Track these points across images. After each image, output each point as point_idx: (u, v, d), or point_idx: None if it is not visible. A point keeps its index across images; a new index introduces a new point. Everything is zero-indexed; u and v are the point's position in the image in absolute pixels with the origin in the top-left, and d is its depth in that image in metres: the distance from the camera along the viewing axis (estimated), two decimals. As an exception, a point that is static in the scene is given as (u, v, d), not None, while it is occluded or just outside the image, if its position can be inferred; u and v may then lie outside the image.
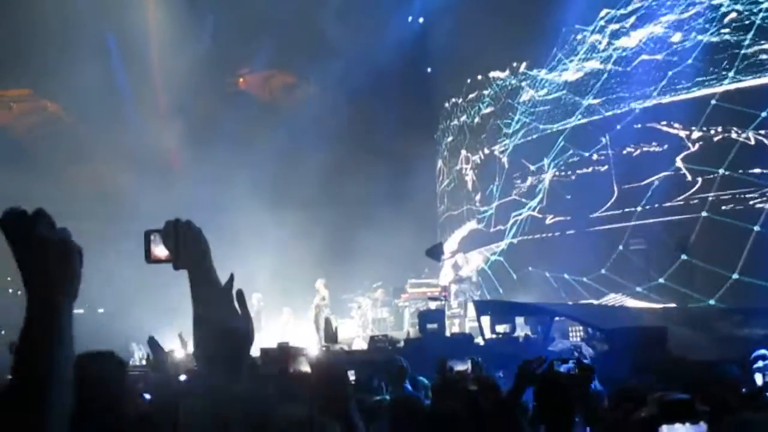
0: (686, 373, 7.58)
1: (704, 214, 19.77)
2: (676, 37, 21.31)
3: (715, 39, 20.53)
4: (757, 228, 18.66)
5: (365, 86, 24.39)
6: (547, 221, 24.12)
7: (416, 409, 5.14)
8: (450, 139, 30.33)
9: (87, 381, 2.54)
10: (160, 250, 2.66)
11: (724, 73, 20.25)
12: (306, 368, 5.16)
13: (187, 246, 2.59)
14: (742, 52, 20.03)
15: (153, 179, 22.26)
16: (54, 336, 1.88)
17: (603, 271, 20.94)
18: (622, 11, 22.64)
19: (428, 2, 26.99)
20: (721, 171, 19.75)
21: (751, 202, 19.36)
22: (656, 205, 20.88)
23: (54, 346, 1.87)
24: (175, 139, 25.04)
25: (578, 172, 23.61)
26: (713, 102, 20.28)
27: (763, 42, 19.79)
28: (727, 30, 20.37)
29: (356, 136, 25.25)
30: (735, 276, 18.25)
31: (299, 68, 27.65)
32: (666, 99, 21.35)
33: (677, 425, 4.13)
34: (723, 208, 19.71)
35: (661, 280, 19.52)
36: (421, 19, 28.19)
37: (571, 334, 15.90)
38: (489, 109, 27.76)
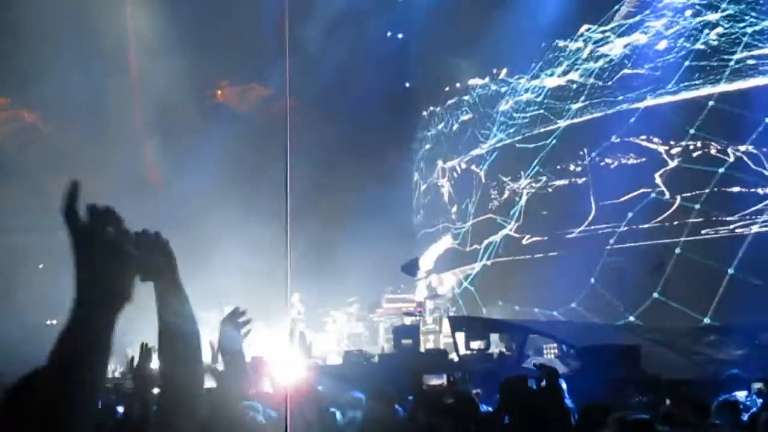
0: (659, 390, 7.62)
1: (682, 240, 19.67)
2: (661, 45, 21.26)
3: (700, 47, 20.48)
4: (731, 271, 18.46)
5: (344, 101, 24.44)
6: (524, 241, 23.82)
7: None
8: (428, 146, 30.14)
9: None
10: None
11: (706, 83, 20.18)
12: (268, 389, 5.16)
13: (156, 259, 2.57)
14: (731, 60, 19.97)
15: (129, 190, 22.16)
16: (89, 359, 1.85)
17: (573, 305, 20.57)
18: (603, 28, 22.61)
19: (408, 16, 26.98)
20: (705, 190, 19.61)
21: (731, 226, 19.20)
22: (634, 227, 20.64)
23: (99, 358, 1.86)
24: (151, 150, 24.97)
25: (555, 183, 23.42)
26: (703, 111, 20.08)
27: (749, 50, 19.77)
28: (712, 39, 20.33)
29: (333, 150, 25.20)
30: (706, 320, 17.99)
31: (277, 82, 27.62)
32: (649, 102, 21.16)
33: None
34: (702, 232, 19.56)
35: (631, 318, 19.26)
36: (400, 35, 28.20)
37: (545, 352, 15.94)
38: (468, 116, 27.56)
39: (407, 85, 29.12)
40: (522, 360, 14.20)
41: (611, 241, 20.98)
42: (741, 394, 8.59)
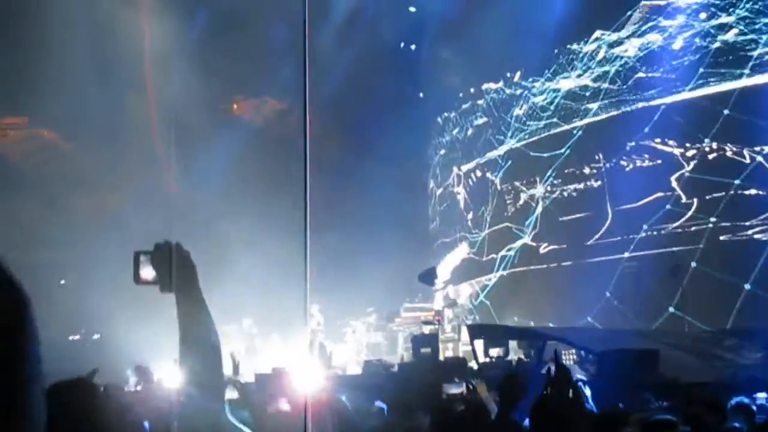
0: (678, 394, 7.60)
1: (700, 247, 19.33)
2: (677, 44, 20.95)
3: (717, 45, 20.14)
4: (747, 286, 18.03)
5: (359, 112, 24.51)
6: (541, 250, 23.60)
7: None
8: (442, 152, 29.96)
9: (59, 411, 2.56)
10: (147, 272, 2.68)
11: (723, 80, 19.84)
12: (286, 407, 5.17)
13: (177, 271, 2.60)
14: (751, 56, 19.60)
15: (148, 203, 22.27)
16: None
17: (589, 318, 20.32)
18: (617, 34, 22.37)
19: (420, 26, 26.98)
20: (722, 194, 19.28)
21: (750, 231, 18.88)
22: (652, 233, 20.34)
23: None
24: (168, 164, 25.06)
25: (571, 188, 23.23)
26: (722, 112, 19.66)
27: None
28: (730, 39, 19.95)
29: (353, 164, 25.24)
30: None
31: (293, 94, 27.67)
32: (667, 99, 20.84)
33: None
34: (721, 238, 19.21)
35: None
36: (413, 46, 28.20)
37: (563, 358, 15.89)
38: (482, 120, 27.30)
39: (421, 95, 29.09)
40: (540, 367, 14.17)
41: (630, 248, 20.66)
42: (761, 395, 8.59)
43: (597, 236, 21.64)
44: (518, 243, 24.51)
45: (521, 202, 24.93)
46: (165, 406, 5.86)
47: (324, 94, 23.50)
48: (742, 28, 19.83)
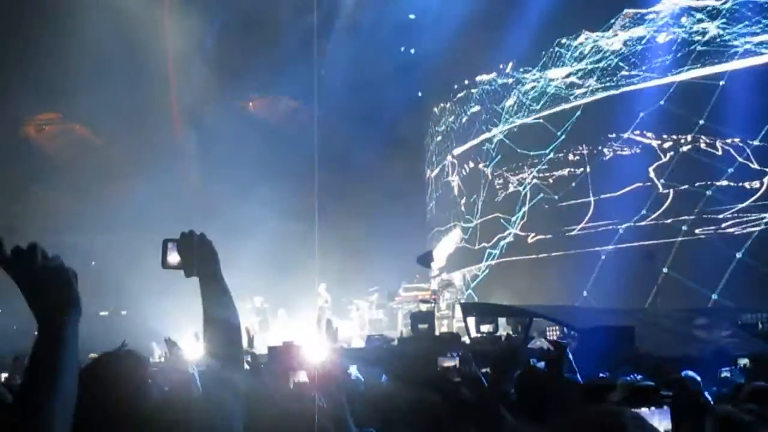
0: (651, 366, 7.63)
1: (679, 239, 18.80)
2: (661, 37, 20.54)
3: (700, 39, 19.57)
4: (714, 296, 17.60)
5: (364, 106, 24.53)
6: (529, 240, 23.24)
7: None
8: (438, 139, 29.61)
9: (109, 379, 2.61)
10: (173, 258, 2.73)
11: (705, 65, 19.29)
12: (305, 379, 5.20)
13: (201, 257, 2.66)
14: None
15: (172, 191, 22.37)
16: (57, 356, 1.92)
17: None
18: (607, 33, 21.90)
19: (419, 26, 26.86)
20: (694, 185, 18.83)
21: (723, 225, 18.30)
22: (631, 224, 19.90)
23: (58, 364, 1.91)
24: (192, 155, 25.16)
25: (555, 173, 22.83)
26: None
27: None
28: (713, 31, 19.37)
29: (355, 157, 25.23)
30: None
31: (304, 92, 27.66)
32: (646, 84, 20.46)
33: (643, 409, 4.17)
34: (697, 231, 18.70)
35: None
36: (413, 50, 28.11)
37: (548, 333, 15.95)
38: (476, 108, 26.86)
39: (419, 94, 29.03)
40: (527, 342, 14.22)
41: (614, 239, 20.23)
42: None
43: (581, 225, 21.37)
44: (507, 232, 24.25)
45: (510, 190, 24.59)
46: (187, 376, 5.90)
47: (331, 93, 23.52)
48: (726, 20, 19.35)
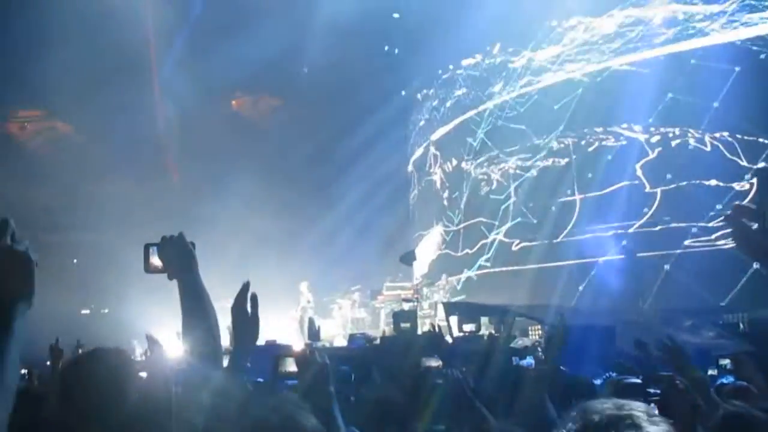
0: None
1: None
2: (657, 20, 19.33)
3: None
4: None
5: (349, 104, 24.54)
6: (514, 247, 22.28)
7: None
8: (422, 124, 28.70)
9: (93, 376, 2.59)
10: (156, 261, 2.75)
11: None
12: (293, 368, 5.18)
13: (179, 258, 2.67)
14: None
15: (154, 189, 22.32)
16: (5, 344, 1.84)
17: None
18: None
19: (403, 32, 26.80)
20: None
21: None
22: (617, 227, 18.95)
23: (5, 355, 1.83)
24: (173, 153, 25.09)
25: (539, 164, 21.89)
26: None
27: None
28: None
29: (340, 155, 25.19)
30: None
31: (288, 94, 27.59)
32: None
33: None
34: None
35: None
36: (396, 50, 28.02)
37: (530, 333, 16.00)
38: (462, 90, 25.96)
39: (403, 93, 28.93)
40: (509, 341, 14.23)
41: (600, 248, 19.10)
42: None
43: (566, 232, 20.61)
44: (492, 237, 23.40)
45: (494, 186, 23.79)
46: (167, 372, 5.88)
47: (313, 90, 23.52)
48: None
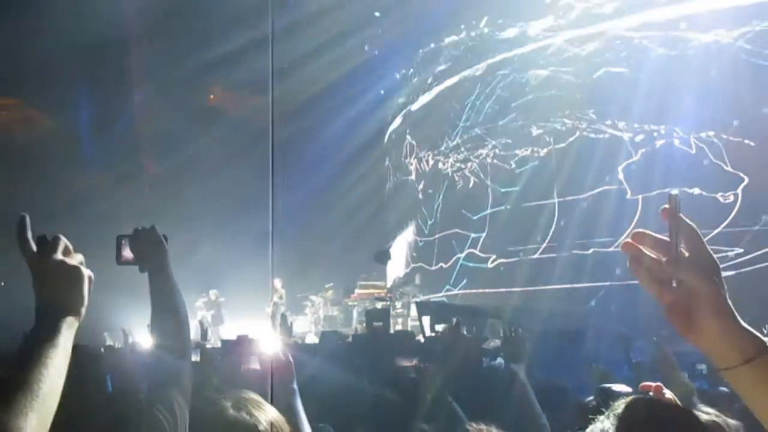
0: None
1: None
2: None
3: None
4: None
5: (327, 105, 24.52)
6: (489, 264, 20.71)
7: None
8: (401, 100, 27.86)
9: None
10: (127, 254, 2.75)
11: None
12: (256, 365, 5.20)
13: (149, 250, 2.68)
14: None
15: (128, 182, 22.22)
16: (49, 353, 1.83)
17: None
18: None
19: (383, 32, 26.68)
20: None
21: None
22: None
23: (48, 362, 1.81)
24: (146, 143, 24.97)
25: (517, 153, 20.48)
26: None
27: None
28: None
29: (313, 150, 25.14)
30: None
31: (263, 88, 27.48)
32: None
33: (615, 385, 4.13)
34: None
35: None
36: (376, 51, 27.83)
37: (501, 334, 16.02)
38: (445, 66, 24.73)
39: (382, 92, 28.79)
40: (481, 341, 14.25)
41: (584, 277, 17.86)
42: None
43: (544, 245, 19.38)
44: (466, 251, 21.82)
45: (471, 185, 22.67)
46: (133, 365, 5.87)
47: (289, 87, 23.44)
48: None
